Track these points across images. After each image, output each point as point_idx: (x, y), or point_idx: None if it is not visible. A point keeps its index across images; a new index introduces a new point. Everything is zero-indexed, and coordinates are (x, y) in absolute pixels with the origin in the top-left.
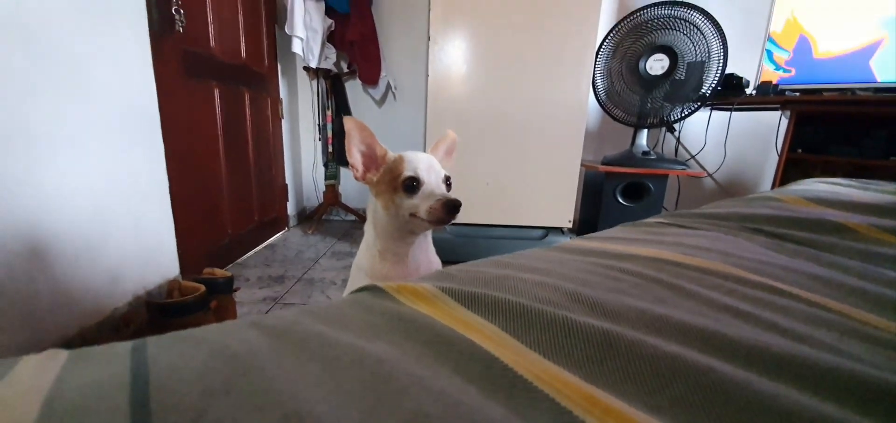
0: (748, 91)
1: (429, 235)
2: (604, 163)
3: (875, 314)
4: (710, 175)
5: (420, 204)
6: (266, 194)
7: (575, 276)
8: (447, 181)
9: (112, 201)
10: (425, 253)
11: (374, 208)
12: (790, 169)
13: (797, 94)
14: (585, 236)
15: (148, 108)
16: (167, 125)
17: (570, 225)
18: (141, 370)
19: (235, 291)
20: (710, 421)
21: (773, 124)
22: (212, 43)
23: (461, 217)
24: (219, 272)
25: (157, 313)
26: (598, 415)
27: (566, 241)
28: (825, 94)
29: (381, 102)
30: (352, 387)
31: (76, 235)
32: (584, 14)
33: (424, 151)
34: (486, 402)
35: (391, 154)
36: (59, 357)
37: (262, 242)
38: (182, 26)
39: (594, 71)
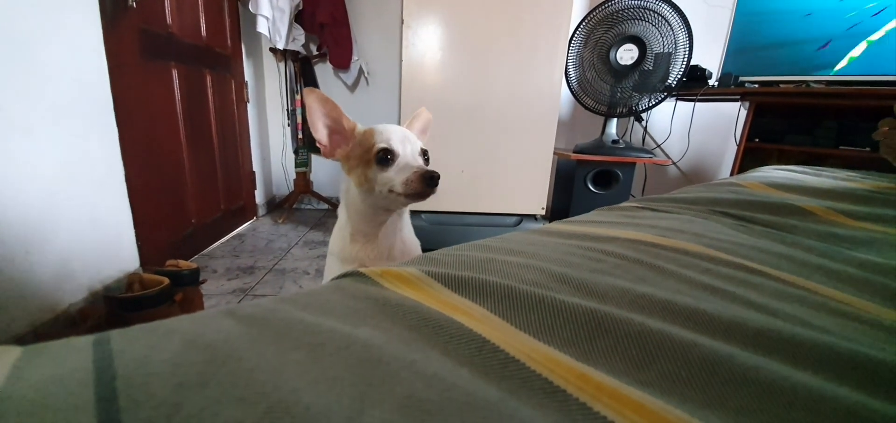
0: (711, 82)
1: (404, 215)
2: (575, 151)
3: (838, 290)
4: (674, 164)
5: (395, 178)
6: (232, 182)
7: (559, 258)
8: (424, 154)
9: (64, 190)
10: (399, 234)
11: (347, 188)
12: (748, 158)
13: (756, 85)
14: (564, 219)
15: (100, 90)
16: (122, 109)
17: (543, 212)
18: (105, 364)
19: (202, 283)
20: (697, 393)
21: (732, 115)
22: (169, 21)
23: (435, 204)
24: (183, 264)
25: (116, 307)
26: (590, 392)
27: (546, 225)
28: (782, 85)
29: (353, 87)
30: (339, 374)
31: (26, 226)
32: (557, 2)
33: None
34: (480, 383)
35: (361, 127)
36: (10, 353)
37: (230, 231)
38: (134, 2)
39: (567, 60)
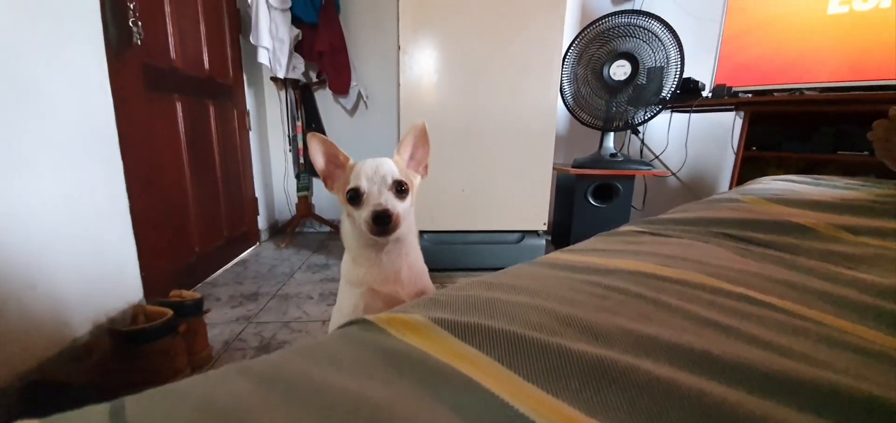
0: (705, 94)
1: (407, 240)
2: (574, 166)
3: (842, 318)
4: (673, 174)
5: (360, 217)
6: (235, 209)
7: (563, 295)
8: (399, 187)
9: (69, 224)
10: (405, 259)
11: (343, 219)
12: (747, 166)
13: (749, 95)
14: (566, 248)
15: (105, 124)
16: (127, 142)
17: (545, 227)
18: None
19: (205, 312)
20: None
21: (729, 125)
22: (173, 55)
23: (437, 224)
24: (186, 294)
25: (121, 340)
26: None
27: (550, 255)
28: (775, 94)
29: (352, 111)
30: None
31: (31, 261)
32: (549, 22)
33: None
34: None
35: (352, 162)
36: None
37: (233, 258)
38: (140, 39)
39: (561, 77)
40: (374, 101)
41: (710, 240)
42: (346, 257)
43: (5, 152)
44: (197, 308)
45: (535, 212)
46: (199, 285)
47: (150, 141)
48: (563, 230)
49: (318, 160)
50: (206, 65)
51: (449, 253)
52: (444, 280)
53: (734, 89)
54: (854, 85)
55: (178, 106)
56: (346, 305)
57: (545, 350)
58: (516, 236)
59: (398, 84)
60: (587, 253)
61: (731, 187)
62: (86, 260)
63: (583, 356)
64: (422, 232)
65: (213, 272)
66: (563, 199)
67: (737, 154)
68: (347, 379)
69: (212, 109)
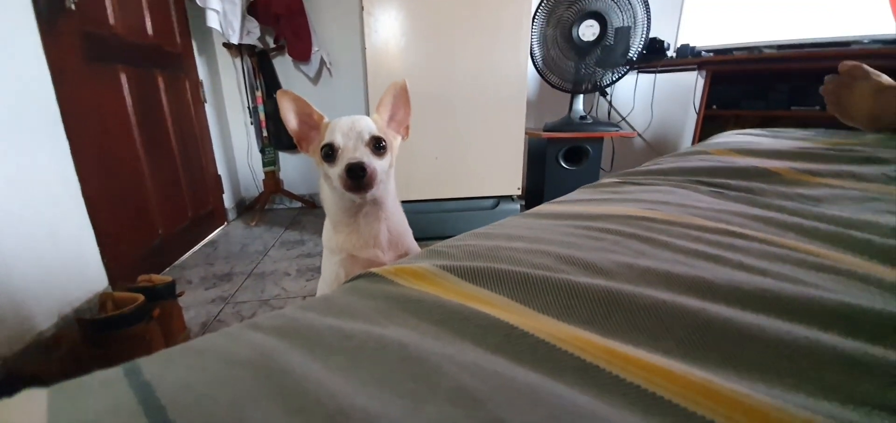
0: (669, 54)
1: (387, 203)
2: (545, 130)
3: (814, 246)
4: (639, 135)
5: (335, 172)
6: (198, 187)
7: (560, 240)
8: (376, 143)
9: (19, 211)
10: (384, 222)
11: (320, 181)
12: (707, 125)
13: (711, 54)
14: (551, 201)
15: (44, 100)
16: (70, 118)
17: (519, 192)
18: (147, 393)
19: (179, 295)
20: (713, 354)
21: (691, 85)
22: (111, 20)
23: (412, 193)
24: (157, 278)
25: (91, 330)
26: (619, 365)
27: (536, 208)
28: (735, 53)
29: (315, 79)
30: (385, 374)
31: None
32: None
33: None
34: (517, 368)
35: (328, 120)
36: (38, 397)
37: (201, 239)
38: (73, 3)
39: (531, 39)
40: (338, 67)
41: (686, 186)
42: (326, 223)
43: None
44: (170, 291)
45: (509, 177)
46: (168, 268)
47: (96, 117)
48: (536, 194)
49: (291, 120)
50: (150, 30)
51: (425, 222)
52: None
53: (697, 48)
54: (809, 41)
55: (123, 77)
56: (328, 274)
57: (553, 285)
58: (491, 201)
59: (363, 48)
60: (575, 203)
61: (693, 144)
62: (41, 248)
63: (589, 288)
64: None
65: (181, 255)
66: (536, 163)
67: (698, 113)
68: (367, 325)
69: (161, 81)
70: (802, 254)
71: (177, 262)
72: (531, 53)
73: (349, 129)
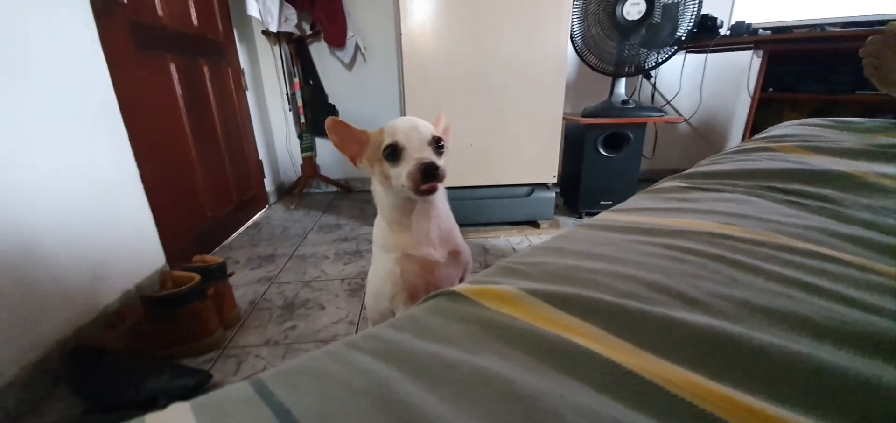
0: (722, 32)
1: (436, 201)
2: (584, 115)
3: None
4: (686, 121)
5: (402, 172)
6: (241, 172)
7: (643, 261)
8: (437, 143)
9: (84, 194)
10: (434, 220)
11: (374, 185)
12: (761, 109)
13: (769, 32)
14: (614, 209)
15: (103, 89)
16: (126, 107)
17: (555, 180)
18: (287, 419)
19: (230, 275)
20: (827, 405)
21: (744, 65)
22: (159, 11)
23: (448, 180)
24: (210, 259)
25: (154, 306)
26: (741, 415)
27: (601, 217)
28: (796, 31)
29: (350, 65)
30: (500, 415)
31: (55, 233)
32: None
33: (403, 112)
34: (630, 413)
35: (374, 130)
36: (185, 412)
37: (245, 222)
38: None
39: (572, 18)
40: (372, 52)
41: (761, 194)
42: (378, 222)
43: (9, 125)
44: (221, 272)
45: (545, 164)
46: (217, 249)
47: (149, 105)
48: (572, 182)
49: (338, 145)
50: (195, 20)
51: (458, 209)
52: None
53: (753, 26)
54: (878, 17)
55: (172, 66)
56: (381, 270)
57: (651, 319)
58: (526, 189)
59: (399, 32)
60: (642, 214)
61: (745, 132)
62: (105, 229)
63: (690, 325)
64: None
65: (227, 236)
66: (573, 149)
67: (753, 97)
68: (465, 354)
69: (206, 69)
70: None
71: (224, 243)
72: (571, 34)
73: (410, 128)
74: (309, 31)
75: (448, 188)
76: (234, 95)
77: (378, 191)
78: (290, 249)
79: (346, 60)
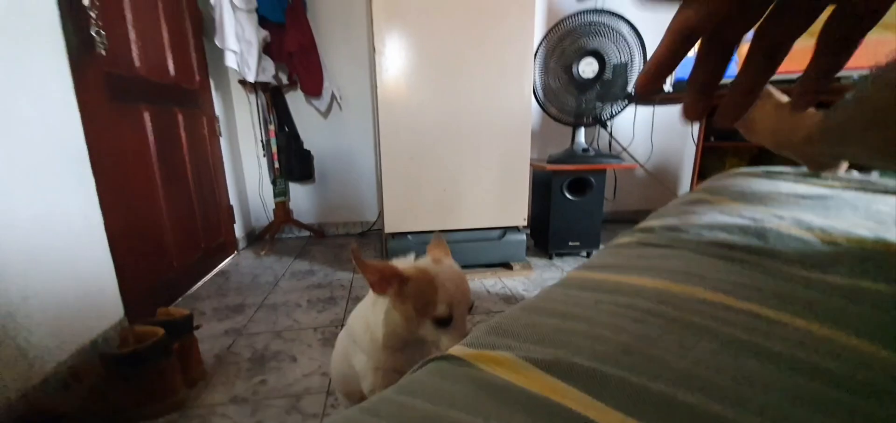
0: (667, 88)
1: None
2: (549, 162)
3: (838, 330)
4: (642, 166)
5: (443, 341)
6: (211, 218)
7: (608, 321)
8: (470, 308)
9: (45, 246)
10: (427, 343)
11: (387, 309)
12: (707, 155)
13: None
14: (583, 265)
15: (74, 139)
16: (96, 156)
17: (525, 223)
18: None
19: (196, 328)
20: None
21: None
22: (136, 63)
23: (421, 224)
24: (175, 311)
25: (114, 365)
26: None
27: (573, 275)
28: (731, 85)
29: (326, 113)
30: None
31: (10, 288)
32: (521, 20)
33: (379, 159)
34: None
35: (413, 269)
36: None
37: (211, 269)
38: (104, 48)
39: (534, 75)
40: (347, 101)
41: (701, 249)
42: (367, 333)
43: None
44: (188, 325)
45: (515, 208)
46: (181, 299)
47: (119, 154)
48: (541, 224)
49: (360, 269)
50: (172, 70)
51: None
52: None
53: None
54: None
55: (146, 116)
56: (358, 367)
57: (624, 383)
58: (498, 232)
59: (375, 85)
60: (605, 270)
61: (693, 177)
62: (63, 283)
63: (648, 390)
64: (406, 233)
65: (193, 285)
66: (540, 194)
67: (697, 144)
68: (469, 416)
69: (180, 117)
70: (837, 346)
71: (189, 292)
72: (534, 88)
73: (461, 296)
74: (286, 81)
75: (423, 232)
76: (208, 142)
77: (392, 318)
78: (259, 297)
79: (322, 108)
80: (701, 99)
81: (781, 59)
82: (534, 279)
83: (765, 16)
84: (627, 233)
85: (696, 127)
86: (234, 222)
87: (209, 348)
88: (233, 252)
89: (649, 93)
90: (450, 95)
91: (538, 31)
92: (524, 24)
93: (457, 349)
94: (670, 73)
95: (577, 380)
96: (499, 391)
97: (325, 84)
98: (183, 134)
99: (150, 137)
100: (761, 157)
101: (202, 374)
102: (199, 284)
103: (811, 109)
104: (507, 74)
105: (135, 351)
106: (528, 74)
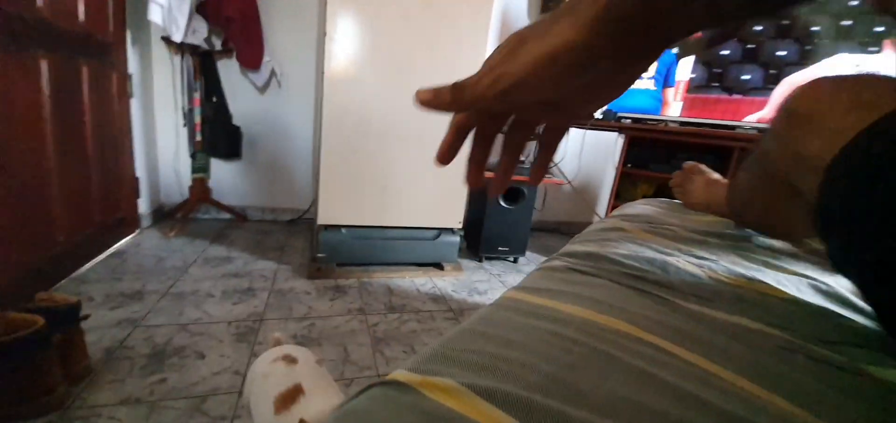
0: (597, 115)
1: None
2: (489, 170)
3: (724, 368)
4: (569, 183)
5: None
6: (111, 190)
7: (540, 350)
8: None
9: None
10: None
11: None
12: (624, 180)
13: (629, 121)
14: (519, 287)
15: None
16: None
17: (460, 225)
18: None
19: (85, 318)
20: None
21: (612, 143)
22: (38, 2)
23: (359, 219)
24: (59, 298)
25: None
26: None
27: (510, 295)
28: (648, 122)
29: (263, 89)
30: None
31: None
32: (474, 30)
33: (318, 146)
34: None
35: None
36: None
37: (106, 249)
38: None
39: None
40: (288, 82)
41: (617, 279)
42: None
43: None
44: (73, 314)
45: (452, 211)
46: (65, 280)
47: (4, 105)
48: (475, 228)
49: None
50: (82, 16)
51: (368, 247)
52: (361, 275)
53: (618, 114)
54: (703, 122)
55: (43, 65)
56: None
57: (554, 413)
58: (433, 232)
59: (322, 72)
60: (540, 294)
61: (611, 197)
62: None
63: (573, 419)
64: (342, 226)
65: (82, 266)
66: (476, 199)
67: (617, 169)
68: None
69: (85, 71)
70: (728, 383)
71: (76, 273)
72: None
73: None
74: (219, 48)
75: (361, 227)
76: (115, 102)
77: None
78: (164, 284)
79: (260, 84)
80: (478, 170)
81: (520, 153)
82: (463, 281)
83: (507, 125)
84: (557, 256)
85: (617, 152)
86: (139, 197)
87: (97, 340)
88: (135, 230)
89: (447, 162)
90: (398, 92)
91: (492, 42)
92: (478, 33)
93: (401, 374)
94: (458, 151)
95: (512, 408)
96: (443, 421)
97: (266, 58)
98: (86, 90)
99: (45, 90)
100: (665, 189)
101: (87, 370)
102: (89, 264)
103: (724, 181)
104: (454, 74)
105: (5, 342)
106: None
